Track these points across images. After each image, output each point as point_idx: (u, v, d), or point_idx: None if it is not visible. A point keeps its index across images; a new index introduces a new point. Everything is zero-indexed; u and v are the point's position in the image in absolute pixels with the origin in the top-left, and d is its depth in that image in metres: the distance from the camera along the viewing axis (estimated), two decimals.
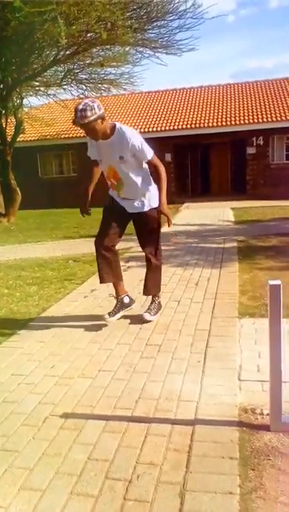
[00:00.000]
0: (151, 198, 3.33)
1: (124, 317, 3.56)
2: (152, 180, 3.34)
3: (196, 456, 1.83)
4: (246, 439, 1.94)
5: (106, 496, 1.64)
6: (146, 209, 3.33)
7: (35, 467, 1.83)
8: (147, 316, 3.44)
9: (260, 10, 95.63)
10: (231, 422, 2.06)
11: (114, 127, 3.08)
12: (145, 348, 3.00)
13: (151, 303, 3.56)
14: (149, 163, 3.23)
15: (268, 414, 2.06)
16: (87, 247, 7.45)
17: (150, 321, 3.43)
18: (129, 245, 6.96)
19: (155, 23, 11.48)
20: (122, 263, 5.67)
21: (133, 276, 4.89)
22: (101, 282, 3.43)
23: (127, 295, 3.58)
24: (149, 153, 3.17)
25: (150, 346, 3.02)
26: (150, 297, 3.63)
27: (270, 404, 2.00)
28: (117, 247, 3.46)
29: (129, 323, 3.47)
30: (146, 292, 3.54)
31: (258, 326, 3.27)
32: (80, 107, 2.91)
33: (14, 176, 13.08)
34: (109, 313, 3.44)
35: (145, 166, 3.27)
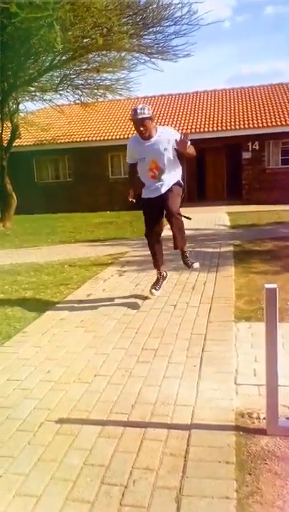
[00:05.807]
0: (178, 176, 4.13)
1: (120, 322, 3.56)
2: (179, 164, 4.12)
3: (193, 460, 1.83)
4: (243, 443, 1.94)
5: (102, 502, 1.63)
6: (175, 182, 4.07)
7: (31, 473, 1.82)
8: (196, 265, 4.16)
9: (254, 16, 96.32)
10: (228, 427, 2.05)
11: (156, 129, 3.89)
12: (141, 352, 2.99)
13: (185, 257, 4.18)
14: None
15: (264, 418, 2.06)
16: (83, 251, 7.45)
17: (198, 268, 4.32)
18: (124, 250, 7.00)
19: (151, 29, 11.51)
20: (118, 267, 5.72)
21: (129, 281, 4.90)
22: (156, 267, 4.26)
23: (165, 270, 4.33)
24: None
25: (146, 351, 3.01)
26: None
27: (267, 408, 2.00)
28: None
29: (126, 328, 3.47)
30: (177, 246, 4.09)
31: (254, 329, 3.27)
32: (140, 106, 3.76)
33: (10, 180, 13.07)
34: (154, 288, 4.10)
35: (174, 154, 3.96)
